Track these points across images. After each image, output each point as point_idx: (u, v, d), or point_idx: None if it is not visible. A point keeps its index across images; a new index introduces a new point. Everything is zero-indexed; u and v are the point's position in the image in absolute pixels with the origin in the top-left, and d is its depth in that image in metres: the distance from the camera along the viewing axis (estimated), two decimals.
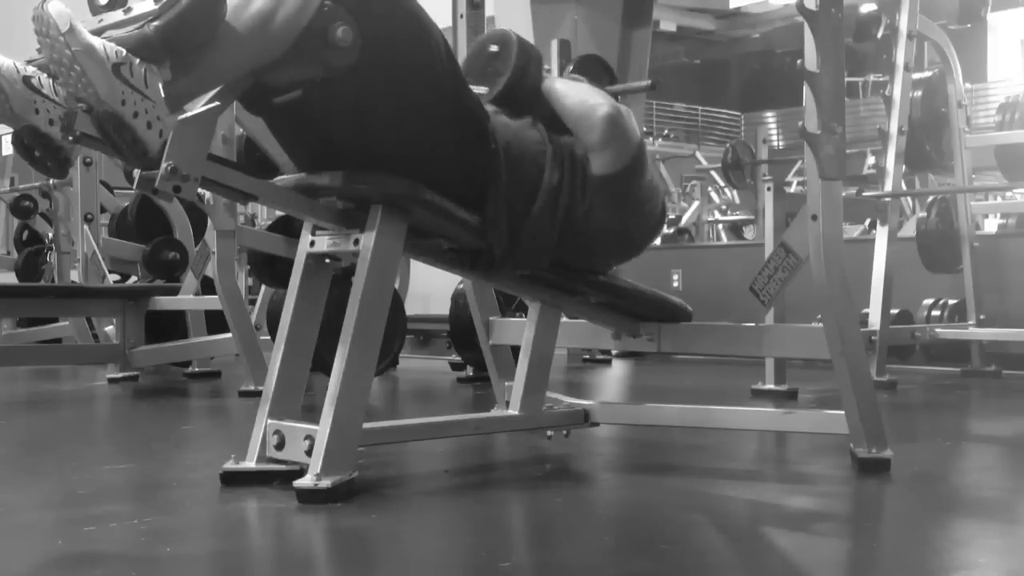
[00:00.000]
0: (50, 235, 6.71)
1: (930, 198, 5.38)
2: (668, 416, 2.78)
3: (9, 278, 7.12)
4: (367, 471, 2.32)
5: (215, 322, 4.57)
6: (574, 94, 2.44)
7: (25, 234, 7.36)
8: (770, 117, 19.58)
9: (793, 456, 2.83)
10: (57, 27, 1.87)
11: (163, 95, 1.96)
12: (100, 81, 1.89)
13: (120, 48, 1.92)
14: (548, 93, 2.45)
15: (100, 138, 1.99)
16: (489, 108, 2.36)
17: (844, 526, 2.06)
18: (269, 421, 2.24)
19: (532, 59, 2.47)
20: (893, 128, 4.56)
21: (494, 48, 2.48)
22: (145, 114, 1.95)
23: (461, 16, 2.93)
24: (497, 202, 2.28)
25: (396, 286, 3.10)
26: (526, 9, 6.22)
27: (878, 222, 4.66)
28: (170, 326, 5.02)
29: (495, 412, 2.79)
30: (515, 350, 2.80)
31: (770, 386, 4.07)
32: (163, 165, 1.96)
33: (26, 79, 2.01)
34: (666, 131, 17.84)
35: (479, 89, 2.44)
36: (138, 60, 1.93)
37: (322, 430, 2.10)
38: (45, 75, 2.03)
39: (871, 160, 11.36)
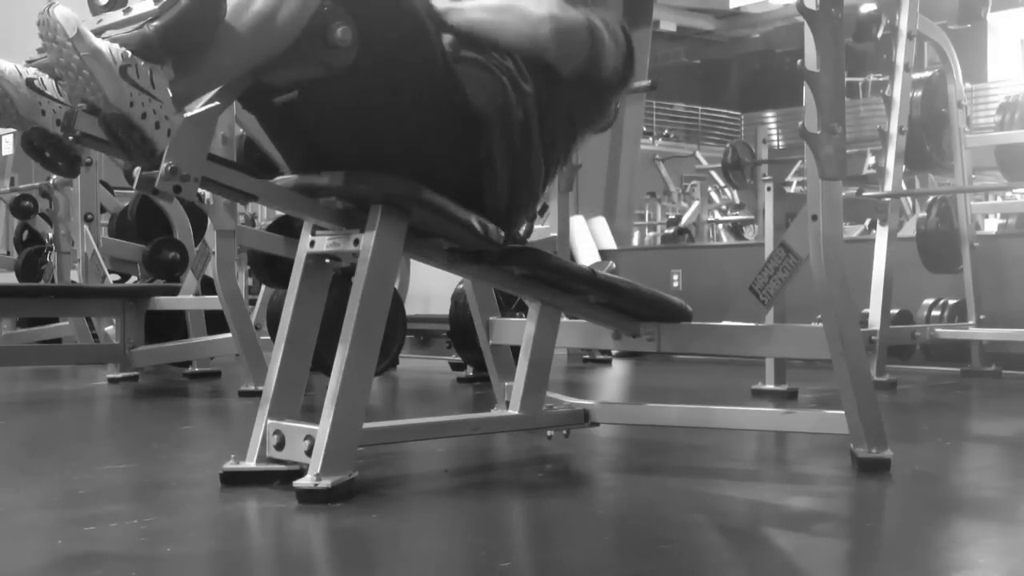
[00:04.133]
0: (50, 235, 6.70)
1: (930, 198, 5.38)
2: (668, 416, 2.78)
3: (9, 278, 7.12)
4: (367, 471, 2.32)
5: (215, 322, 4.57)
6: (498, 19, 2.34)
7: (25, 234, 7.36)
8: (770, 117, 19.60)
9: (793, 456, 2.83)
10: (65, 32, 1.87)
11: (170, 94, 1.96)
12: (108, 84, 1.89)
13: (125, 50, 1.92)
14: (471, 28, 2.33)
15: (104, 138, 2.00)
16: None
17: (844, 526, 2.06)
18: (269, 421, 2.24)
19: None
20: (893, 128, 4.56)
21: None
22: (153, 114, 1.95)
23: None
24: (499, 188, 2.28)
25: (396, 286, 3.10)
26: None
27: (878, 222, 4.66)
28: (170, 326, 5.02)
29: (495, 412, 2.79)
30: (515, 350, 2.80)
31: (770, 386, 4.07)
32: (163, 165, 1.96)
33: (29, 81, 2.02)
34: (666, 131, 17.85)
35: None
36: (143, 61, 1.94)
37: (322, 430, 2.10)
38: (47, 76, 2.03)
39: (871, 160, 11.37)
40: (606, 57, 2.42)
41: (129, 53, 1.92)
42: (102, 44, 1.91)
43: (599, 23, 2.40)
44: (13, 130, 2.09)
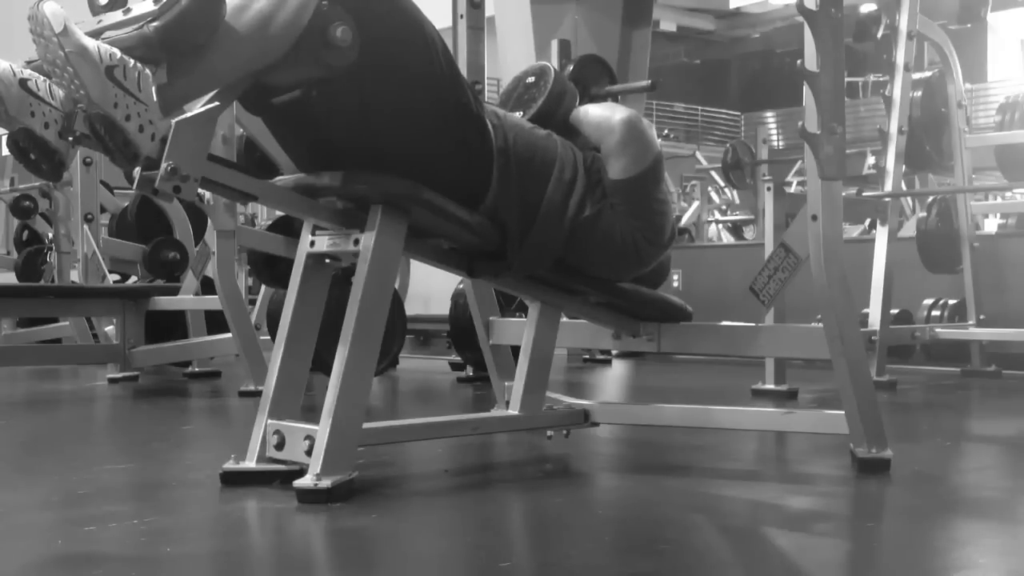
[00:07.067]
0: (50, 235, 6.71)
1: (930, 198, 5.39)
2: (668, 416, 2.78)
3: (9, 278, 7.12)
4: (367, 471, 2.32)
5: (215, 322, 4.57)
6: (598, 108, 2.52)
7: (25, 234, 7.37)
8: (770, 117, 19.61)
9: (793, 456, 2.83)
10: (52, 27, 1.87)
11: (156, 98, 1.96)
12: (92, 83, 1.89)
13: (114, 50, 1.92)
14: (575, 117, 2.52)
15: (93, 138, 1.99)
16: (503, 112, 2.38)
17: (844, 526, 2.06)
18: (269, 421, 2.24)
19: (568, 91, 2.57)
20: (893, 128, 4.56)
21: (531, 79, 2.58)
22: (137, 117, 1.94)
23: (461, 16, 2.93)
24: (510, 199, 2.28)
25: (396, 286, 3.10)
26: (526, 9, 6.23)
27: (878, 222, 4.66)
28: (170, 326, 5.02)
29: (495, 412, 2.79)
30: (515, 350, 2.80)
31: (770, 386, 4.07)
32: (163, 165, 1.96)
33: (22, 82, 2.01)
34: (666, 131, 17.86)
35: (514, 114, 2.49)
36: (132, 63, 1.93)
37: (322, 430, 2.10)
38: (42, 78, 2.03)
39: (871, 160, 11.37)
40: (659, 201, 2.49)
41: (118, 53, 1.91)
42: (89, 42, 1.90)
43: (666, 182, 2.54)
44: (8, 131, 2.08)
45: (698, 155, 15.53)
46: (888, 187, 4.53)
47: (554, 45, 3.55)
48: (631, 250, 2.46)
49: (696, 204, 11.79)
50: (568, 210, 2.36)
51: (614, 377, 5.32)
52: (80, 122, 2.00)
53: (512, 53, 6.29)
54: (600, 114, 2.49)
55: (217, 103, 2.05)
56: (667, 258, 2.71)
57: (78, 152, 5.11)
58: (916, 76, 4.74)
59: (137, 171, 2.02)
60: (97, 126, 1.94)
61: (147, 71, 1.95)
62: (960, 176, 5.03)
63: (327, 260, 2.33)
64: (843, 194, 2.45)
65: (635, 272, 2.57)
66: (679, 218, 11.36)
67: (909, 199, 8.41)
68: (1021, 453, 3.02)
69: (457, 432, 2.63)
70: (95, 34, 1.96)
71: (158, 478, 2.45)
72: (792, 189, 10.41)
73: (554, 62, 3.25)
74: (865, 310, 4.42)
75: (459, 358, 4.99)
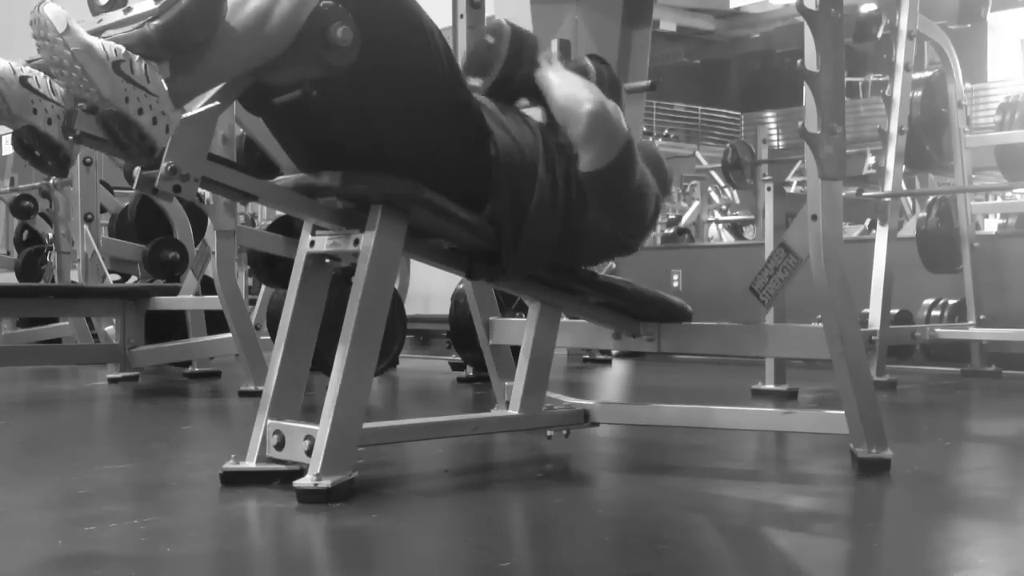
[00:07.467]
0: (50, 235, 6.71)
1: (930, 198, 5.39)
2: (668, 416, 2.78)
3: (9, 278, 7.12)
4: (367, 471, 2.32)
5: (215, 322, 4.57)
6: (563, 87, 2.42)
7: (25, 234, 7.37)
8: (770, 117, 19.59)
9: (793, 456, 2.83)
10: (55, 28, 1.87)
11: (166, 89, 1.96)
12: (101, 80, 1.89)
13: (119, 46, 1.92)
14: (540, 83, 2.44)
15: (103, 137, 1.99)
16: (481, 100, 2.36)
17: (844, 526, 2.06)
18: (269, 421, 2.24)
19: (525, 46, 2.46)
20: (893, 128, 4.56)
21: (490, 39, 2.48)
22: (150, 110, 1.95)
23: (461, 16, 2.93)
24: (502, 199, 2.28)
25: (396, 286, 3.10)
26: (526, 9, 6.23)
27: (878, 222, 4.66)
28: (170, 326, 5.02)
29: (495, 412, 2.79)
30: (515, 350, 2.80)
31: (770, 386, 4.07)
32: (163, 165, 1.96)
33: (23, 79, 2.01)
34: (666, 131, 17.84)
35: (474, 81, 2.43)
36: (137, 56, 1.93)
37: (322, 430, 2.10)
38: (42, 75, 2.03)
39: (871, 160, 11.37)
40: (635, 188, 2.43)
41: (122, 49, 1.92)
42: (94, 40, 1.90)
43: (643, 166, 2.46)
44: (12, 130, 2.08)
45: (698, 155, 15.52)
46: (888, 187, 4.53)
47: (554, 45, 3.54)
48: (613, 238, 2.47)
49: (696, 204, 11.79)
50: (558, 206, 2.34)
51: (614, 377, 5.32)
52: (81, 120, 2.00)
53: None
54: (567, 96, 2.39)
55: (217, 103, 2.05)
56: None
57: (79, 151, 5.11)
58: (916, 76, 4.74)
59: (137, 171, 2.02)
60: (111, 124, 1.94)
61: (153, 63, 1.95)
62: (960, 176, 5.03)
63: (327, 260, 2.33)
64: (843, 194, 2.45)
65: (621, 255, 2.63)
66: (679, 218, 11.37)
67: (909, 199, 8.41)
68: (1021, 453, 3.02)
69: (457, 432, 2.63)
70: (96, 33, 1.96)
71: (158, 478, 2.45)
72: (792, 189, 10.42)
73: None
74: (865, 310, 4.42)
75: (459, 358, 4.99)
